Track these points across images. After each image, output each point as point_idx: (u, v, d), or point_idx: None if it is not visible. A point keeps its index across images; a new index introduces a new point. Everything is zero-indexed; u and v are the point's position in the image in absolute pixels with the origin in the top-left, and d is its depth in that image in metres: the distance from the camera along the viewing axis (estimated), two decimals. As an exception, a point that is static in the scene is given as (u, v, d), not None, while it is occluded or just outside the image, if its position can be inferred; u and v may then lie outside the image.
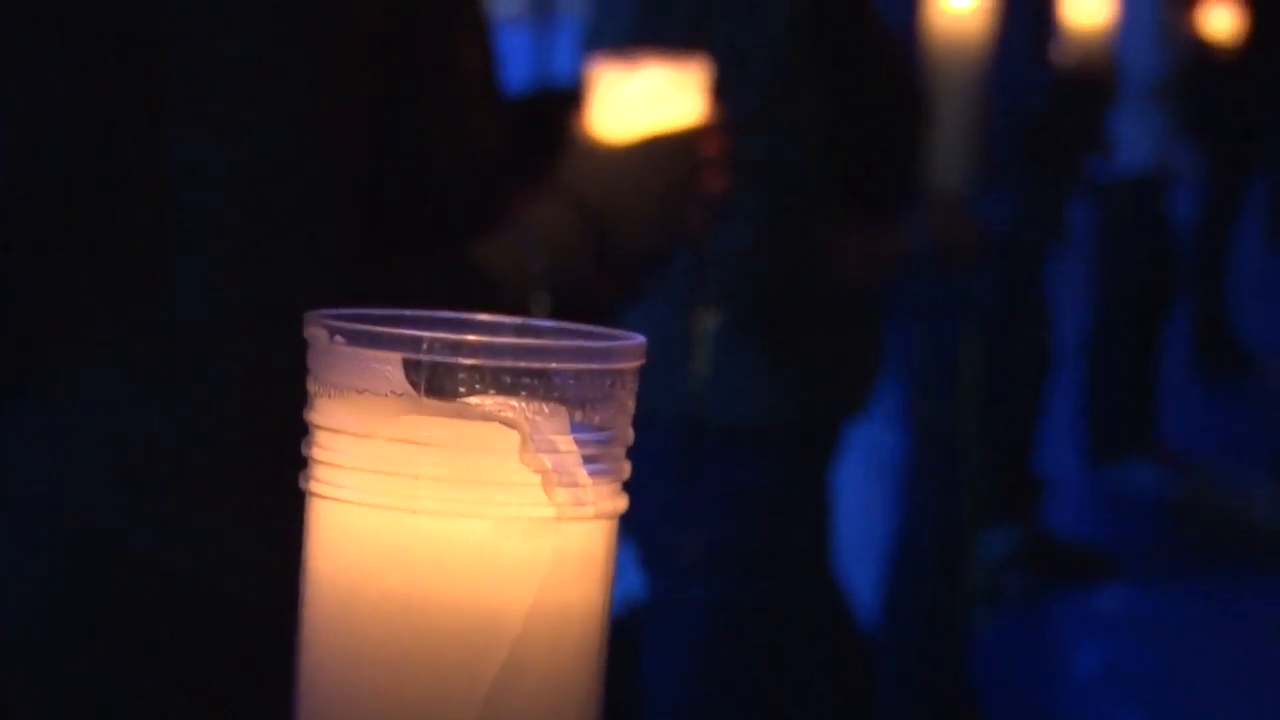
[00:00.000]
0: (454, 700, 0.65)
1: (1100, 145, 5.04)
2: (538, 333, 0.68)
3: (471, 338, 0.65)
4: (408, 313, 0.68)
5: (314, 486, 0.67)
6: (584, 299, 1.78)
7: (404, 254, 1.69)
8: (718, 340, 2.60)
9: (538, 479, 0.65)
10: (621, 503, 0.68)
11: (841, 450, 3.06)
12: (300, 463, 1.66)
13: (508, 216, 1.78)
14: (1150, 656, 4.95)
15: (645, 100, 1.94)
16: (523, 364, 0.65)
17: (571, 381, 0.65)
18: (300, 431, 1.64)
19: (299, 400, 1.61)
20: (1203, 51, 5.94)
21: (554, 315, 1.74)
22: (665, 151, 1.88)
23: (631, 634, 2.95)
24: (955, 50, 3.03)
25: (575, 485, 0.66)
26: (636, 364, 0.67)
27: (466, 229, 1.73)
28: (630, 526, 3.01)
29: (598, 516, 0.67)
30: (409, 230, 1.71)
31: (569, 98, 1.97)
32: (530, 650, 0.65)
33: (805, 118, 2.70)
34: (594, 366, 0.66)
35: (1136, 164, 5.76)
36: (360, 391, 0.65)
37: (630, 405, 0.67)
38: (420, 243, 1.71)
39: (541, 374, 0.65)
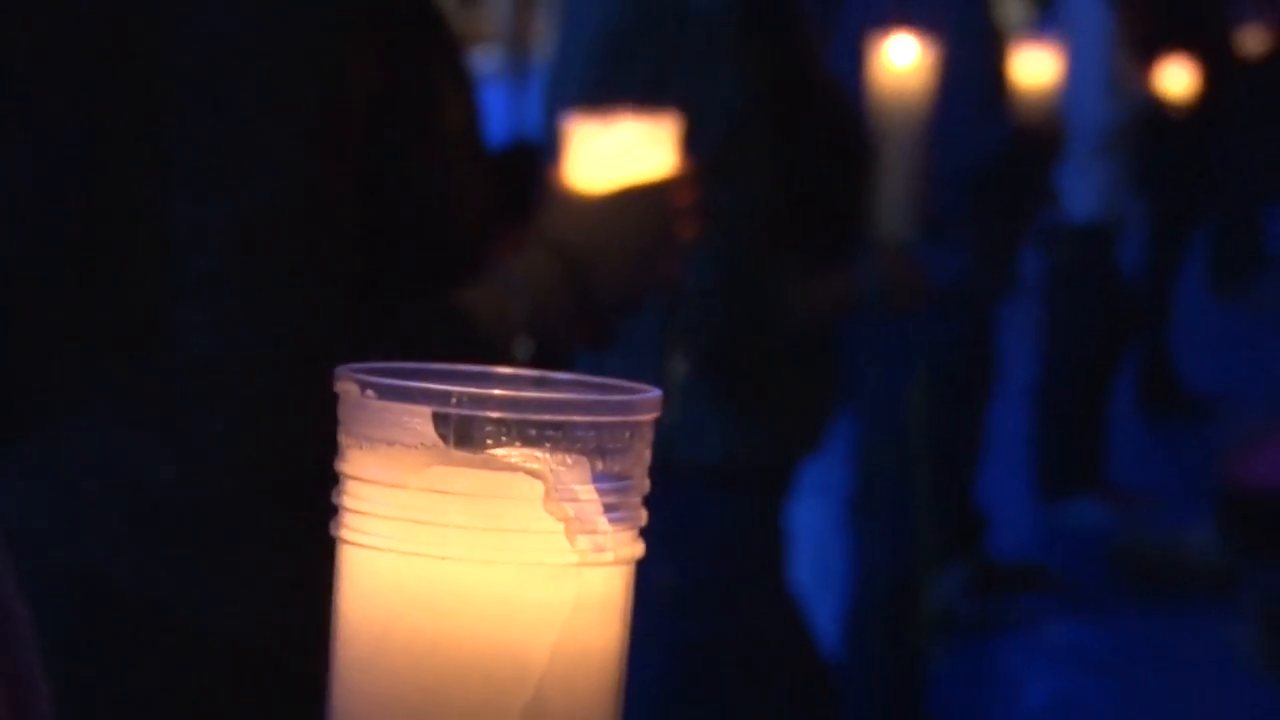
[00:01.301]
0: (479, 737, 0.65)
1: (1049, 196, 5.07)
2: (558, 386, 0.68)
3: (498, 392, 0.65)
4: (433, 367, 0.68)
5: (345, 534, 0.67)
6: (564, 343, 1.79)
7: (393, 301, 1.70)
8: (684, 383, 2.61)
9: (561, 527, 0.65)
10: (639, 548, 0.68)
11: (797, 487, 3.07)
12: (298, 502, 1.66)
13: (492, 264, 1.79)
14: (1097, 687, 4.96)
15: (620, 153, 1.95)
16: (547, 417, 0.65)
17: (593, 434, 0.66)
18: (296, 473, 1.64)
19: (295, 443, 1.62)
20: (1153, 106, 5.97)
21: (535, 359, 1.75)
22: (639, 201, 1.89)
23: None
24: (898, 105, 3.06)
25: (596, 532, 0.66)
26: (653, 416, 0.67)
27: (453, 276, 1.74)
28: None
29: (617, 562, 0.67)
30: (398, 278, 1.71)
31: (537, 152, 1.98)
32: (553, 690, 0.66)
33: (756, 168, 2.72)
34: (614, 419, 0.66)
35: (1086, 213, 5.79)
36: (390, 443, 0.66)
37: (647, 455, 0.68)
38: (409, 290, 1.71)
39: (564, 426, 0.65)
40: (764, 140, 2.73)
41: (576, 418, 0.65)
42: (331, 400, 1.69)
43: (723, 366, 2.73)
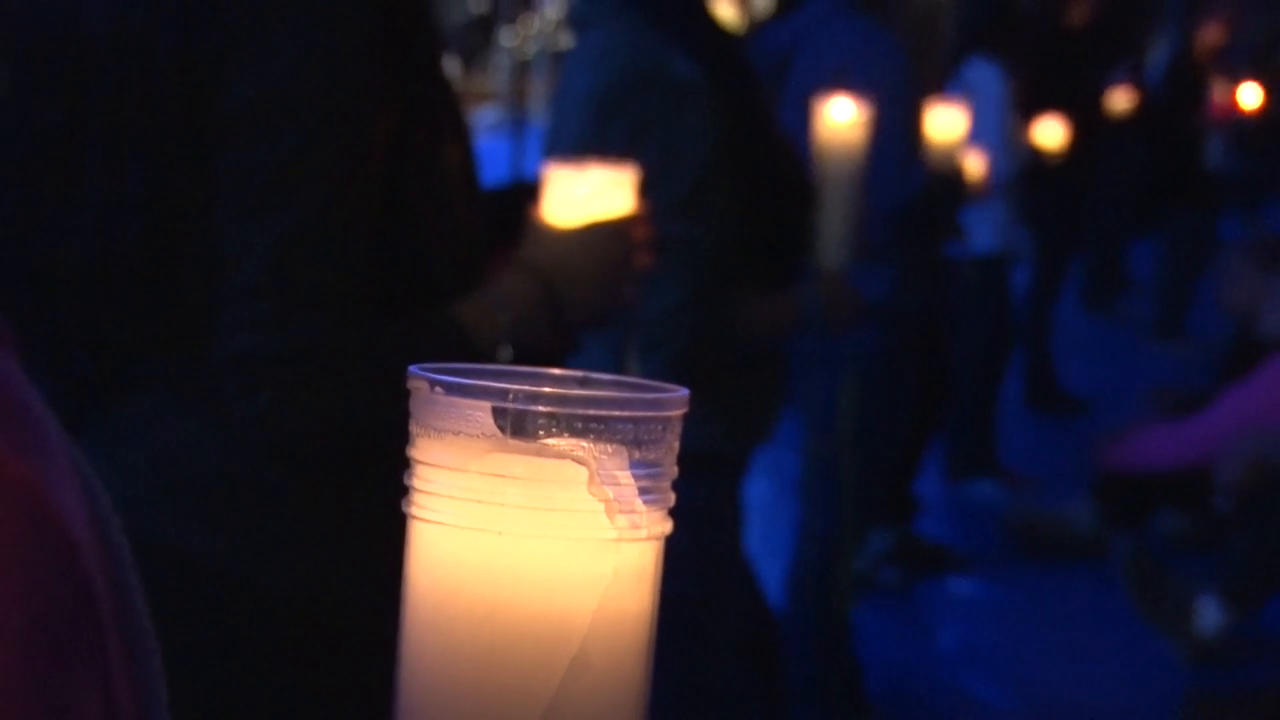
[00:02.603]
0: (530, 690, 0.62)
1: (956, 231, 5.06)
2: (600, 385, 0.65)
3: (548, 389, 0.62)
4: (490, 368, 0.65)
5: (415, 511, 0.64)
6: (538, 349, 1.78)
7: (401, 310, 1.69)
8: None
9: (602, 507, 0.62)
10: (668, 526, 0.65)
11: (751, 471, 3.05)
12: (321, 475, 1.63)
13: (482, 283, 1.78)
14: (995, 634, 4.96)
15: (590, 195, 1.94)
16: (591, 411, 0.62)
17: (630, 426, 0.62)
18: (320, 451, 1.61)
19: (320, 426, 1.59)
20: (1037, 158, 5.98)
21: (514, 362, 1.73)
22: (604, 235, 1.88)
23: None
24: (837, 155, 3.02)
25: (632, 512, 0.63)
26: (682, 412, 0.64)
27: (449, 292, 1.73)
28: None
29: (650, 538, 0.64)
30: (405, 291, 1.70)
31: (530, 192, 1.97)
32: (594, 649, 0.63)
33: (719, 207, 2.69)
34: (648, 414, 0.63)
35: (985, 245, 5.80)
36: (455, 433, 0.62)
37: (676, 446, 0.64)
38: (413, 302, 1.71)
39: (606, 420, 0.62)
40: (726, 183, 2.70)
41: (617, 413, 0.62)
42: (349, 390, 1.66)
43: (690, 370, 2.71)
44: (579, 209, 1.92)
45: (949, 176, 4.41)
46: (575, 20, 2.78)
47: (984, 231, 5.69)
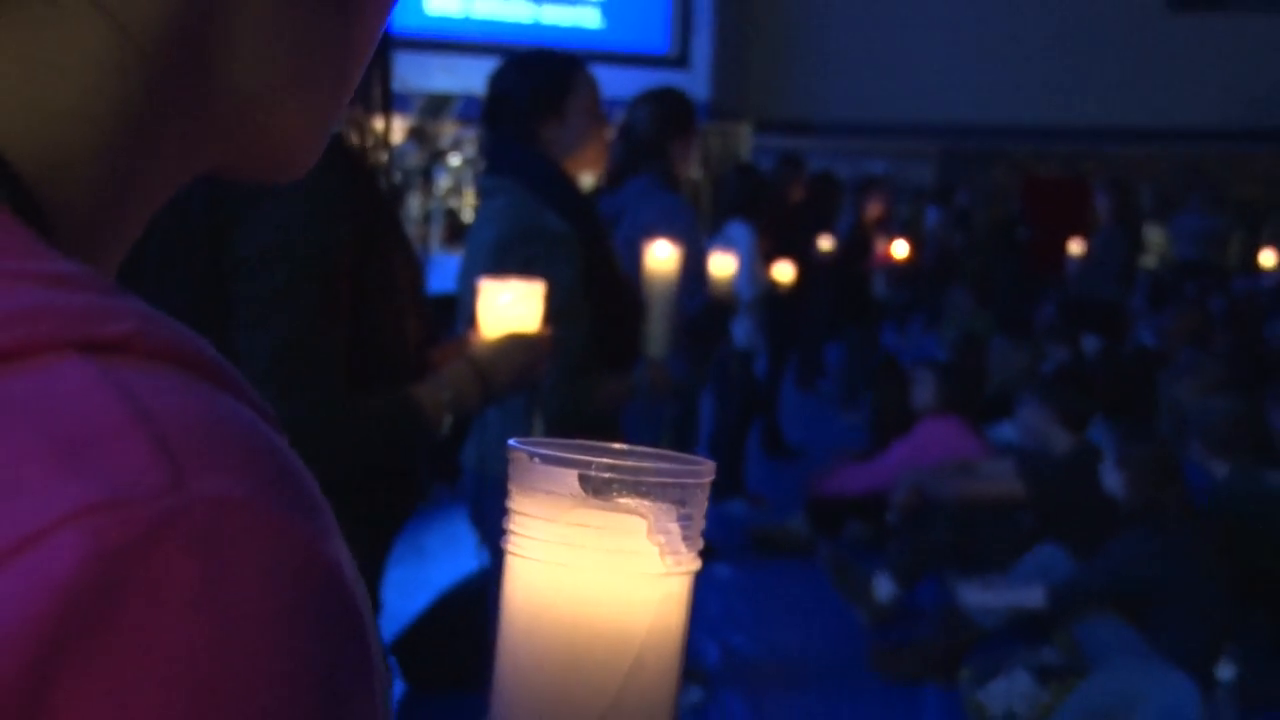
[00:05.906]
0: (600, 685, 0.56)
1: (726, 336, 5.08)
2: (650, 458, 0.59)
3: (619, 462, 0.56)
4: (567, 442, 0.58)
5: (513, 550, 0.57)
6: (470, 419, 1.74)
7: (366, 390, 1.63)
8: (538, 434, 2.52)
9: (656, 550, 0.56)
10: (700, 563, 0.59)
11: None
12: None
13: (429, 371, 1.73)
14: (740, 605, 4.94)
15: (511, 301, 1.90)
16: (652, 479, 0.56)
17: (678, 489, 0.57)
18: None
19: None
20: (772, 288, 6.06)
21: (453, 428, 1.68)
22: (522, 344, 1.84)
23: (480, 598, 2.82)
24: (659, 281, 3.01)
25: (678, 553, 0.57)
26: (711, 479, 0.58)
27: (404, 377, 1.68)
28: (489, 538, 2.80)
29: (687, 572, 0.58)
30: (373, 377, 1.64)
31: (462, 309, 1.93)
32: (648, 655, 0.56)
33: (582, 318, 2.67)
34: (691, 480, 0.57)
35: (741, 344, 5.83)
36: (548, 492, 0.56)
37: (706, 504, 0.58)
38: (376, 384, 1.64)
39: (662, 485, 0.56)
40: (585, 302, 2.68)
41: (669, 480, 0.56)
42: (331, 450, 1.57)
43: (561, 427, 2.66)
44: (503, 311, 1.88)
45: (723, 299, 4.42)
46: (480, 190, 2.78)
47: (739, 335, 5.73)
